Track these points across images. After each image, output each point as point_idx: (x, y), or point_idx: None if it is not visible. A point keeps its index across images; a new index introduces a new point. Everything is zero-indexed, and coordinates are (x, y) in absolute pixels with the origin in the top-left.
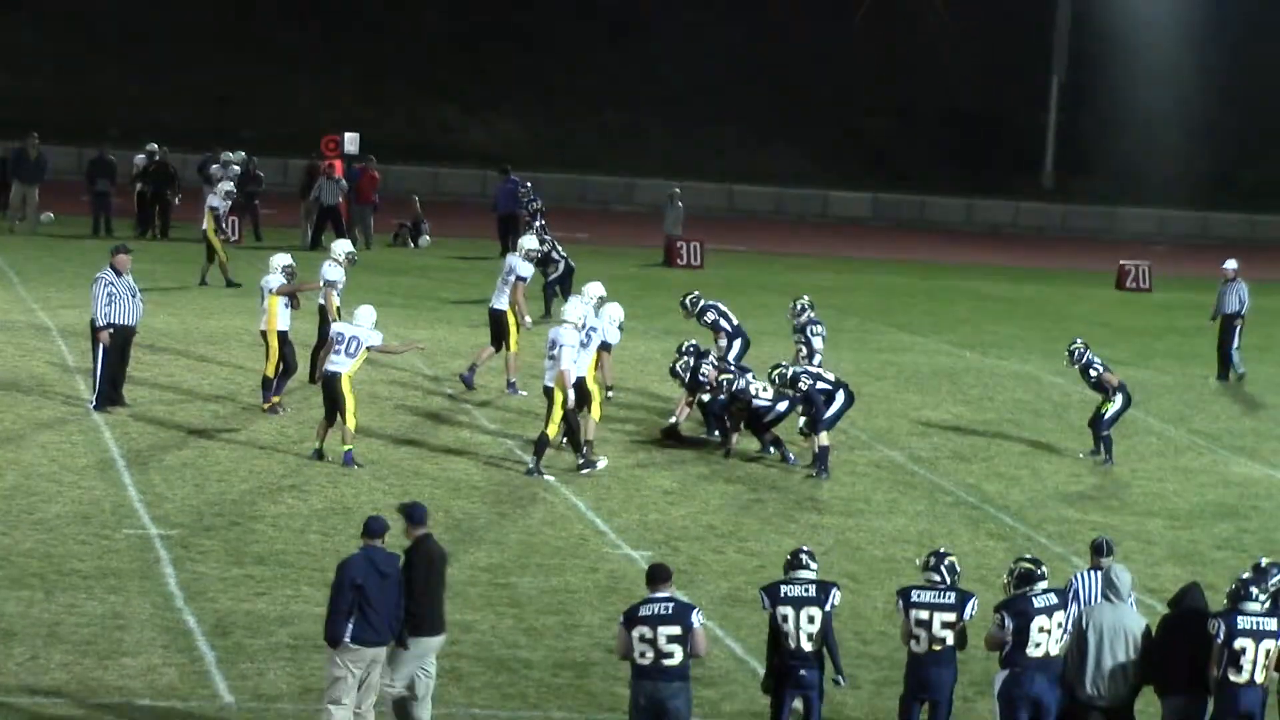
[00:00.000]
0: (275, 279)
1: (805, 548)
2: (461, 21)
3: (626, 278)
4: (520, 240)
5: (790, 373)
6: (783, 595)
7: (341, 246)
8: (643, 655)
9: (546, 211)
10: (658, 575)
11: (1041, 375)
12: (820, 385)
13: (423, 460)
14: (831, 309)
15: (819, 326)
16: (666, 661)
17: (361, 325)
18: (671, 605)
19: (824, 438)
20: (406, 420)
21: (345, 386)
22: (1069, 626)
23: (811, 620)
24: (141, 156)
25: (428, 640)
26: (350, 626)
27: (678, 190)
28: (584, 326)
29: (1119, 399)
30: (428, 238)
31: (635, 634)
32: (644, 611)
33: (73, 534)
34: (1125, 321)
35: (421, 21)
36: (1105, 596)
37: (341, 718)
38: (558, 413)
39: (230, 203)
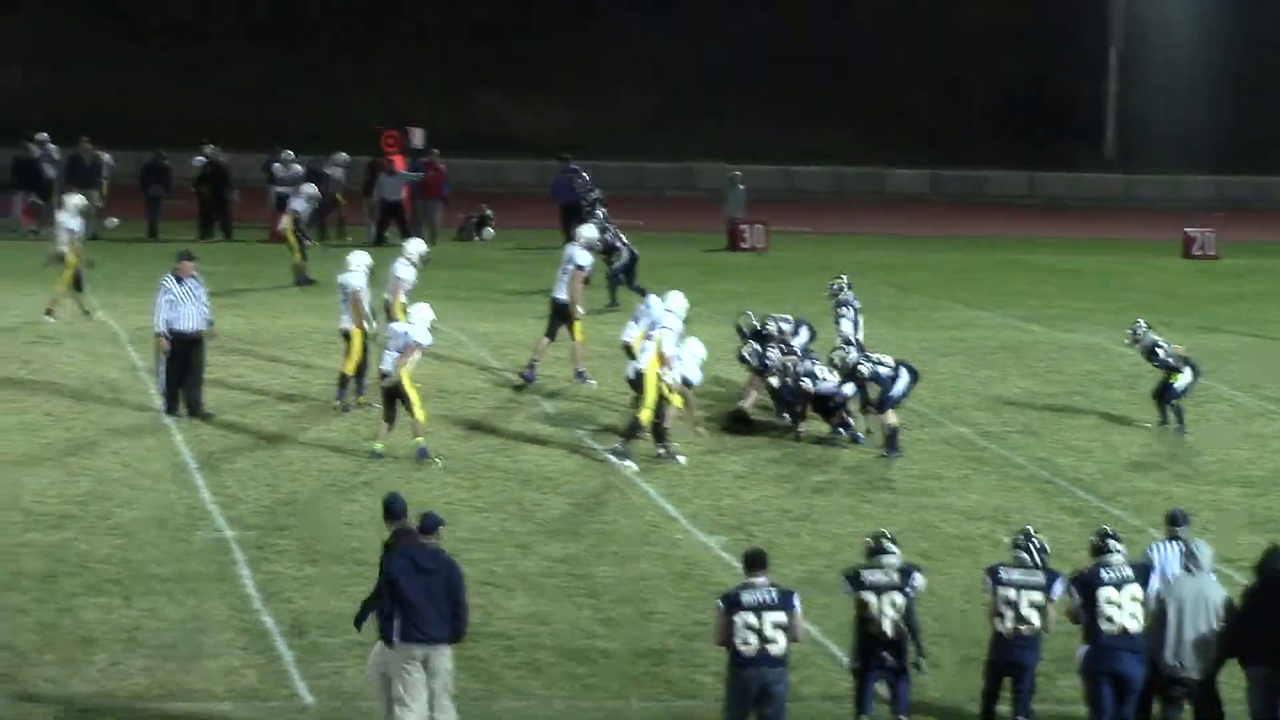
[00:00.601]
0: (356, 277)
1: (885, 531)
2: (504, 8)
3: (692, 263)
4: (579, 229)
5: (850, 359)
6: (865, 581)
7: (415, 246)
8: (746, 642)
9: (605, 200)
10: (756, 561)
11: (1110, 346)
12: (882, 369)
13: (494, 453)
14: (894, 287)
15: (847, 309)
16: (771, 648)
17: (414, 323)
18: (775, 591)
19: (891, 416)
20: (476, 413)
21: (406, 382)
22: (1150, 600)
23: (894, 605)
24: (200, 159)
25: (404, 646)
26: (397, 624)
27: (738, 174)
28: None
29: (1188, 371)
30: (491, 230)
31: (739, 620)
32: (747, 598)
33: (149, 538)
34: (1192, 290)
35: (463, 10)
36: (1186, 569)
37: (408, 718)
38: (651, 397)
39: (314, 206)
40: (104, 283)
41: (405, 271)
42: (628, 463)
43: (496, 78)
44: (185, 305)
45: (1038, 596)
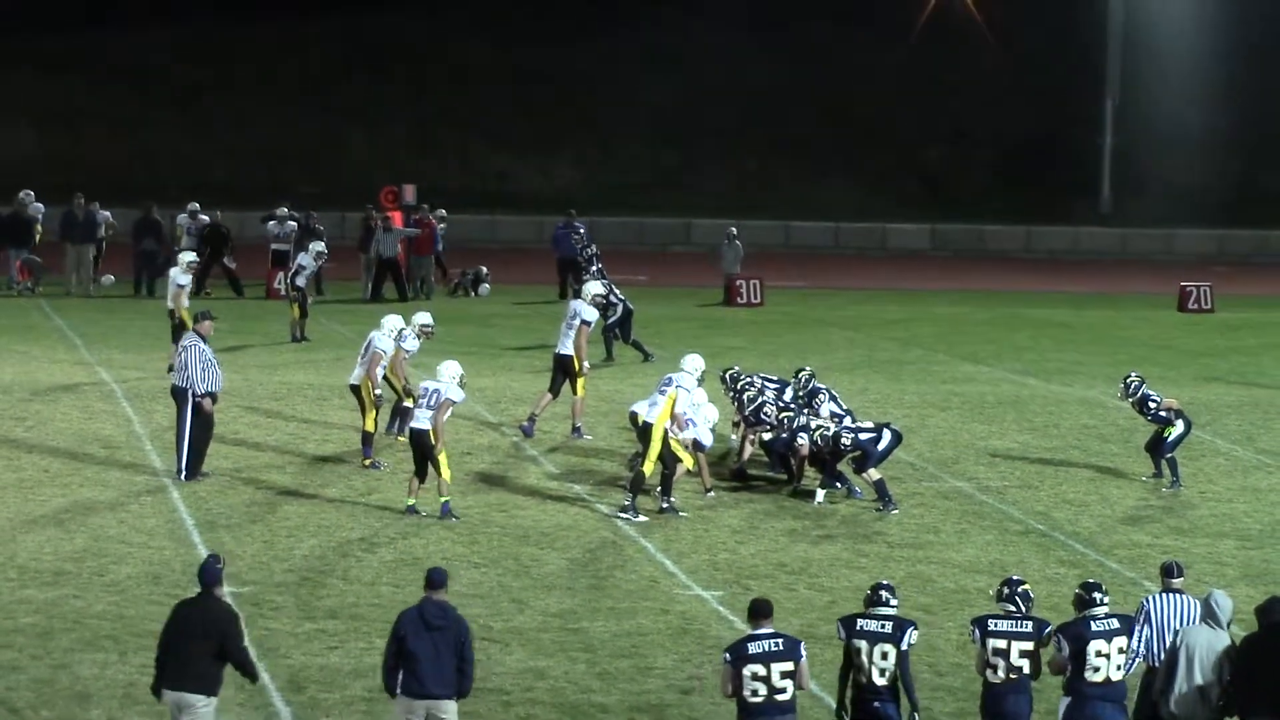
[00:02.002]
0: (382, 338)
1: (886, 582)
2: (509, 68)
3: (690, 318)
4: (585, 286)
5: (830, 434)
6: (858, 629)
7: (420, 319)
8: (754, 693)
9: (601, 255)
10: (761, 610)
11: (1106, 400)
12: (863, 436)
13: (490, 508)
14: (893, 341)
15: (822, 394)
16: (779, 697)
17: (442, 379)
18: (782, 641)
19: (873, 473)
20: (473, 468)
21: (433, 440)
22: (1140, 650)
23: (885, 656)
24: (184, 216)
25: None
26: (401, 677)
27: (734, 230)
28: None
29: (1180, 424)
30: (487, 285)
31: (747, 672)
32: (754, 649)
33: (144, 595)
34: (1188, 343)
35: (470, 69)
36: (1205, 622)
37: None
38: (655, 450)
39: (321, 263)
40: (101, 339)
41: (410, 344)
42: (640, 517)
43: (504, 137)
44: (216, 366)
45: (1028, 645)
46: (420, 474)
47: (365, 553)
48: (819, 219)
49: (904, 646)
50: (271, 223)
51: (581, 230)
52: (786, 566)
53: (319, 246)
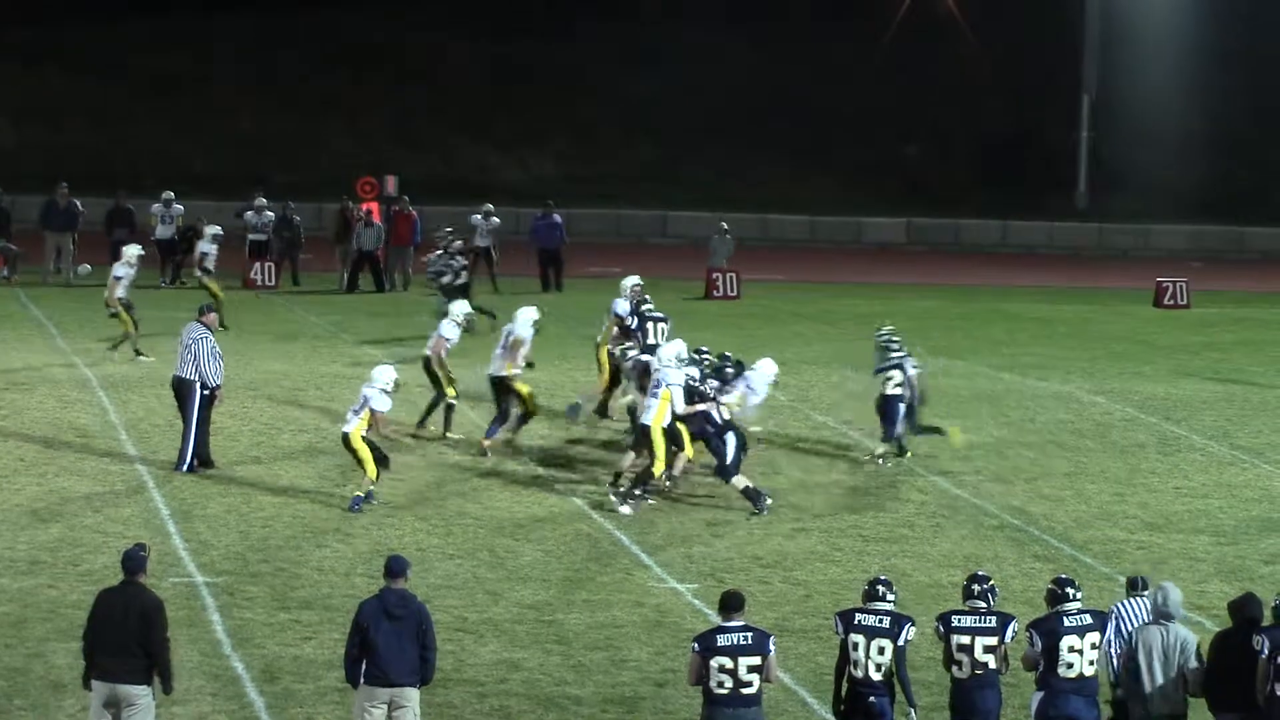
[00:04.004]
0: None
1: (883, 577)
2: (490, 60)
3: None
4: (622, 281)
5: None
6: (856, 623)
7: (459, 308)
8: (720, 685)
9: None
10: (731, 603)
11: (1082, 395)
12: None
13: (465, 499)
14: (868, 336)
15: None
16: (745, 690)
17: (374, 384)
18: (751, 635)
19: (739, 481)
20: (448, 460)
21: (356, 443)
22: (1112, 647)
23: (881, 651)
24: (158, 205)
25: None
26: (364, 667)
27: (725, 224)
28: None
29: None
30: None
31: (714, 664)
32: (722, 641)
33: None
34: (1164, 339)
35: (451, 61)
36: (1155, 615)
37: None
38: (660, 450)
39: (218, 246)
40: (77, 329)
41: (451, 331)
42: (627, 509)
43: (484, 129)
44: (220, 359)
45: (992, 640)
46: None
47: (340, 543)
48: (796, 213)
49: (901, 642)
50: (249, 213)
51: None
52: (761, 560)
53: (215, 229)
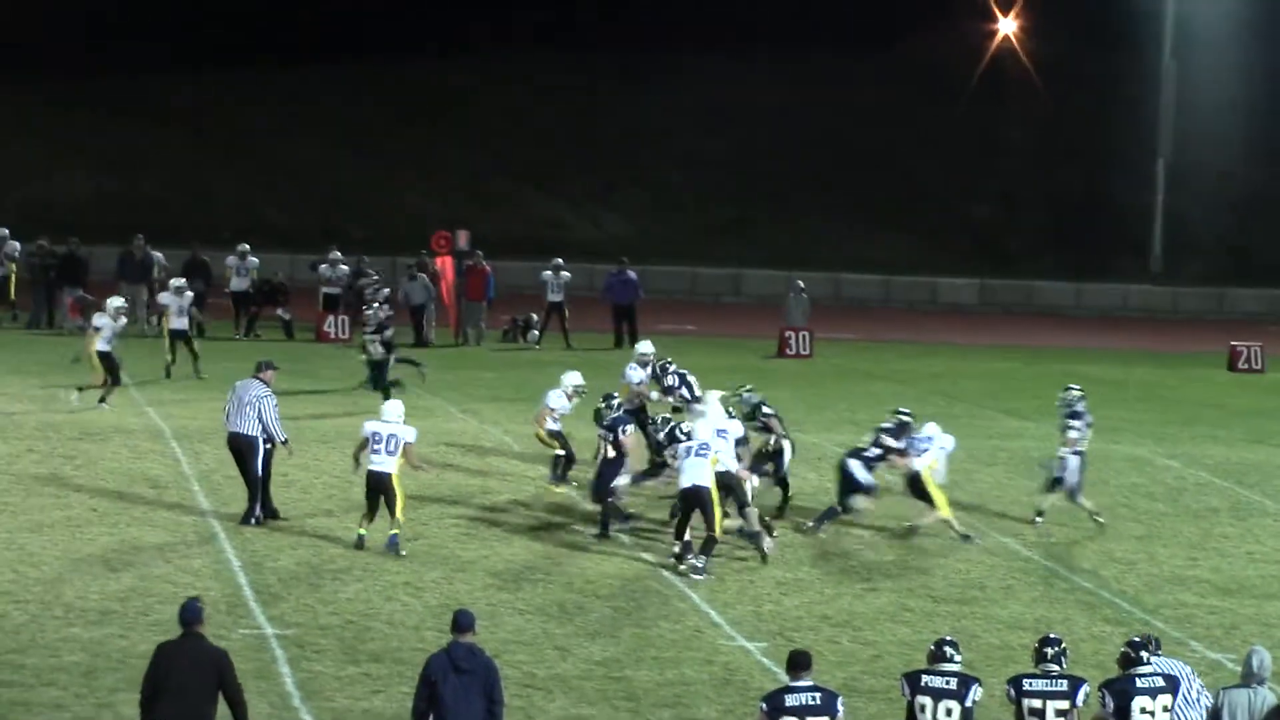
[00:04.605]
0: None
1: (950, 638)
2: (568, 119)
3: (735, 369)
4: (636, 347)
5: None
6: (923, 685)
7: (571, 379)
8: None
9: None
10: (799, 662)
11: (1154, 459)
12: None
13: (536, 556)
14: (940, 395)
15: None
16: None
17: (392, 421)
18: (819, 695)
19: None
20: (519, 517)
21: (395, 484)
22: (1186, 711)
23: (949, 713)
24: (233, 258)
25: None
26: None
27: (800, 283)
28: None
29: (787, 445)
30: (536, 333)
31: None
32: (790, 701)
33: None
34: (1238, 403)
35: (524, 118)
36: (1244, 678)
37: None
38: (718, 513)
39: (186, 299)
40: (151, 379)
41: (557, 400)
42: (701, 576)
43: (559, 186)
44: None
45: (1063, 704)
46: (371, 514)
47: (410, 597)
48: (869, 272)
49: (969, 703)
50: (323, 266)
51: (373, 273)
52: (830, 619)
53: (178, 282)
